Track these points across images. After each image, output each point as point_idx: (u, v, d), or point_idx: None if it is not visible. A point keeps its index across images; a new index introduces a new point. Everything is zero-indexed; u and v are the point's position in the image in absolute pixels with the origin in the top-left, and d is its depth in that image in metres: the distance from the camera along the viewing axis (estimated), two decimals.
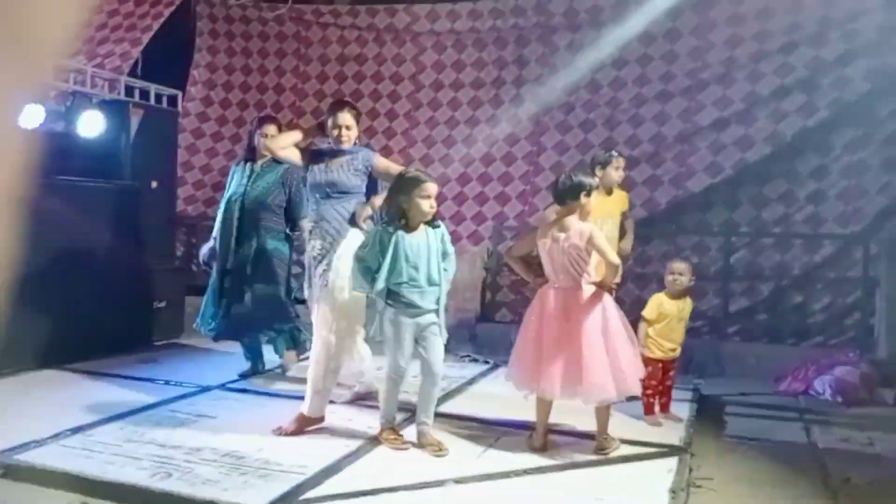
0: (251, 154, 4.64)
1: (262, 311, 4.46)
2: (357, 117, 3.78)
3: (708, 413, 4.09)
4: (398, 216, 3.26)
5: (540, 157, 6.33)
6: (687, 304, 3.89)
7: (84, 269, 5.14)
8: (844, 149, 5.46)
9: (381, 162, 3.79)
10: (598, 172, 4.36)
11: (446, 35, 6.76)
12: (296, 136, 3.85)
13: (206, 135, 7.32)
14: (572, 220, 3.30)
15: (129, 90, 6.29)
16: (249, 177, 4.54)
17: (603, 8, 6.16)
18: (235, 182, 4.59)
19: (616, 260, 3.37)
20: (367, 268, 3.26)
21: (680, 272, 3.83)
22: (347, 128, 3.68)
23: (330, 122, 3.70)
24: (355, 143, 3.77)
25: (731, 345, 5.22)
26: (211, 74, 7.48)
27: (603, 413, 3.32)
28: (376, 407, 3.92)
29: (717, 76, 5.82)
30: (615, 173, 4.39)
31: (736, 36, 5.76)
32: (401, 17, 6.87)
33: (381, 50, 6.97)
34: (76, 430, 3.43)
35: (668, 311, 3.79)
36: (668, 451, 3.39)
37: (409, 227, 3.25)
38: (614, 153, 4.49)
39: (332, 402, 3.85)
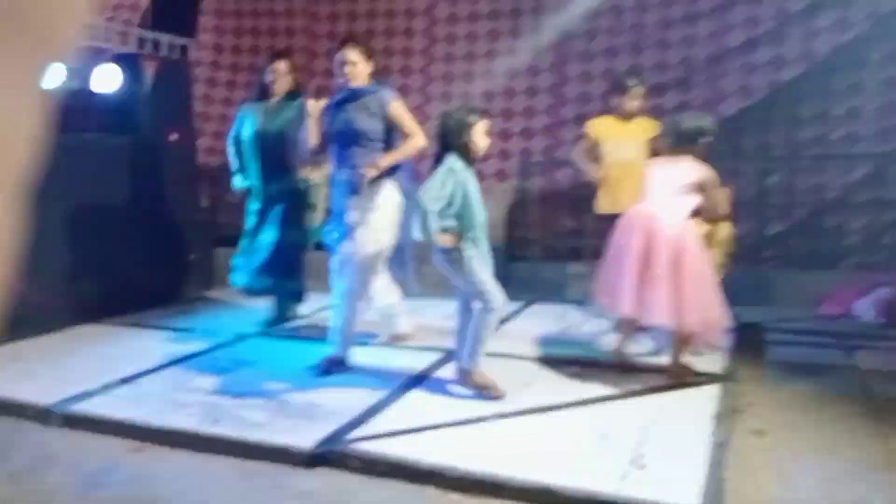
0: (263, 93, 4.44)
1: (280, 261, 4.44)
2: (367, 53, 3.63)
3: (748, 341, 4.07)
4: (464, 156, 3.16)
5: (564, 88, 6.16)
6: (722, 229, 3.83)
7: (115, 225, 5.18)
8: (880, 64, 5.24)
9: (397, 109, 3.61)
10: (615, 100, 4.31)
11: None
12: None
13: (221, 83, 7.22)
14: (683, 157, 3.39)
15: (141, 42, 6.18)
16: (265, 115, 4.38)
17: None
18: (249, 122, 4.41)
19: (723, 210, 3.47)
20: (447, 215, 3.11)
21: None
22: (353, 63, 3.55)
23: (336, 63, 3.59)
24: (372, 83, 3.65)
25: (769, 271, 5.15)
26: (220, 20, 7.31)
27: (678, 341, 3.36)
28: (410, 347, 3.98)
29: None
30: (630, 103, 4.30)
31: None
32: None
33: None
34: (125, 381, 3.51)
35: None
36: (709, 379, 3.39)
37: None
38: (629, 82, 4.37)
39: (366, 343, 3.92)
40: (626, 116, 4.36)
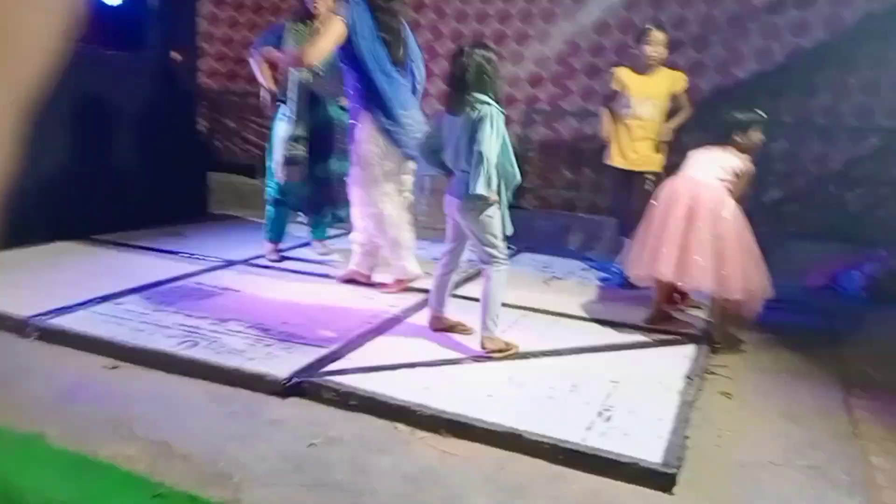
0: (306, 12, 4.27)
1: (325, 189, 4.47)
2: None
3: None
4: (495, 99, 2.96)
5: (576, 36, 5.98)
6: None
7: (109, 141, 5.12)
8: None
9: None
10: (635, 48, 4.23)
11: None
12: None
13: (227, 2, 7.01)
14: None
15: None
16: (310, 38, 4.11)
17: None
18: (293, 44, 4.21)
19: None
20: (499, 163, 2.91)
21: None
22: None
23: None
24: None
25: (759, 236, 5.09)
26: None
27: (720, 309, 3.37)
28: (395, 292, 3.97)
29: None
30: (648, 49, 4.15)
31: None
32: None
33: None
34: (105, 298, 3.52)
35: None
36: (686, 339, 3.40)
37: None
38: (648, 26, 4.23)
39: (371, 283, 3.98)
40: (646, 68, 4.22)
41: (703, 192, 3.32)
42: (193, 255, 4.58)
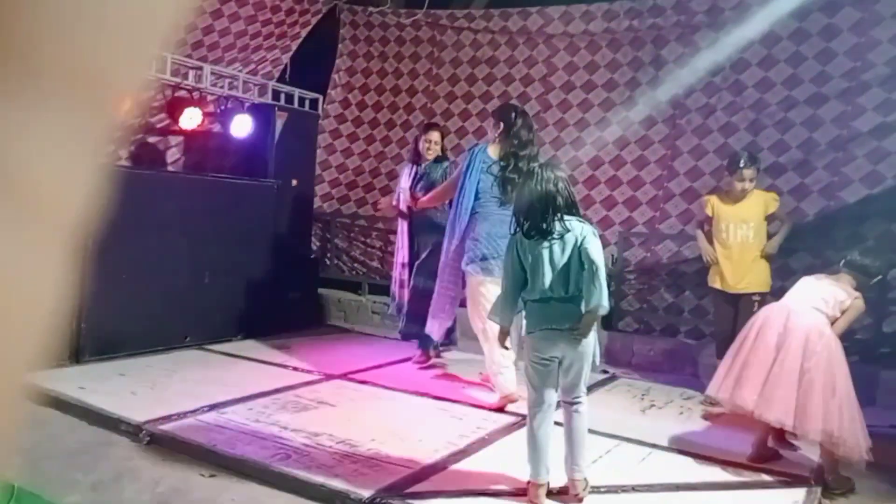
0: (416, 157, 5.18)
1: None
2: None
3: None
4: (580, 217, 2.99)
5: (675, 161, 6.05)
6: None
7: (229, 259, 5.58)
8: None
9: None
10: (726, 178, 4.36)
11: (580, 37, 6.64)
12: None
13: (343, 135, 7.68)
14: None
15: (276, 94, 6.74)
16: (414, 177, 5.08)
17: (750, 5, 5.78)
18: (403, 181, 5.16)
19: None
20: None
21: None
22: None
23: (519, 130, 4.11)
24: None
25: (885, 370, 4.72)
26: (350, 78, 7.83)
27: (828, 451, 3.13)
28: (487, 409, 3.97)
29: (881, 77, 5.28)
30: (738, 185, 4.22)
31: None
32: (534, 20, 6.83)
33: (512, 52, 6.98)
34: (212, 407, 3.74)
35: None
36: (795, 481, 3.14)
37: None
38: (740, 163, 4.26)
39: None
40: (736, 197, 4.30)
41: (798, 320, 3.17)
42: (297, 367, 4.79)
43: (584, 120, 6.52)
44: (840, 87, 5.43)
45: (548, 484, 2.80)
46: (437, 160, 5.09)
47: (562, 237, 2.79)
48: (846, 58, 5.43)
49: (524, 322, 2.93)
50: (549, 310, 2.80)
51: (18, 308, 0.27)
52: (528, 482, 2.80)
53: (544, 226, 2.80)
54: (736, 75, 5.88)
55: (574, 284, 2.77)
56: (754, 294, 4.24)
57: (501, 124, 4.13)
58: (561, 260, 2.79)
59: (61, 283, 0.29)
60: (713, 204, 4.39)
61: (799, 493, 3.02)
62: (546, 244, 2.80)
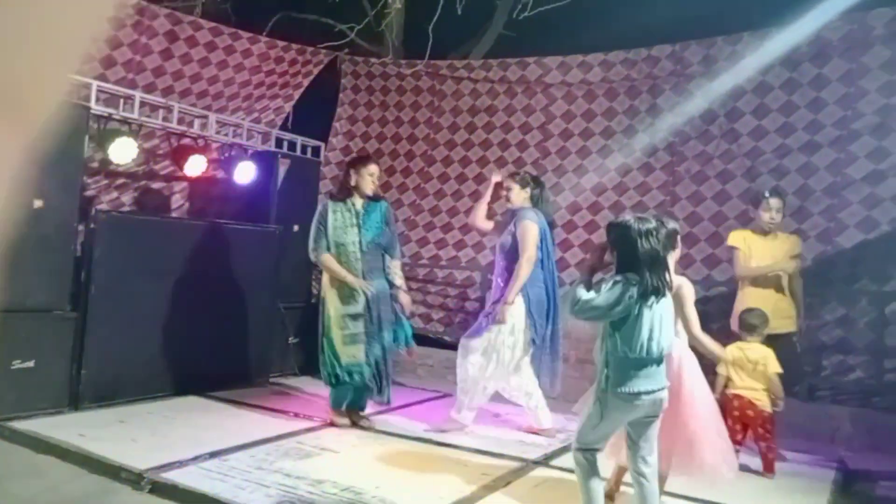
0: (347, 192, 4.55)
1: (388, 360, 4.54)
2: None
3: (855, 490, 3.71)
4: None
5: (674, 206, 6.14)
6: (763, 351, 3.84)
7: (229, 304, 5.58)
8: None
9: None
10: (753, 212, 4.41)
11: (577, 86, 6.81)
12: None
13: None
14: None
15: (279, 142, 6.85)
16: (358, 216, 4.51)
17: (743, 55, 5.95)
18: (342, 222, 4.48)
19: (694, 330, 2.98)
20: None
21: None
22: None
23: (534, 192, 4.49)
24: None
25: (886, 416, 4.71)
26: (351, 126, 7.98)
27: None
28: (495, 455, 3.93)
29: (870, 126, 5.41)
30: (765, 215, 4.27)
31: (893, 83, 5.34)
32: (532, 70, 7.01)
33: (511, 101, 7.13)
34: (214, 455, 3.69)
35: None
36: None
37: None
38: (766, 193, 4.34)
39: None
40: (765, 232, 4.38)
41: (677, 365, 3.02)
42: (298, 413, 4.75)
43: (583, 167, 6.63)
44: (832, 135, 5.56)
45: None
46: (373, 198, 4.61)
47: (665, 294, 2.65)
48: (837, 107, 5.57)
49: (609, 375, 2.65)
50: (650, 369, 2.64)
51: None
52: None
53: (652, 286, 2.59)
54: (731, 124, 6.01)
55: (668, 342, 2.68)
56: (793, 334, 4.31)
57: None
58: (670, 317, 2.71)
59: None
60: (739, 238, 4.46)
61: None
62: (660, 302, 2.62)
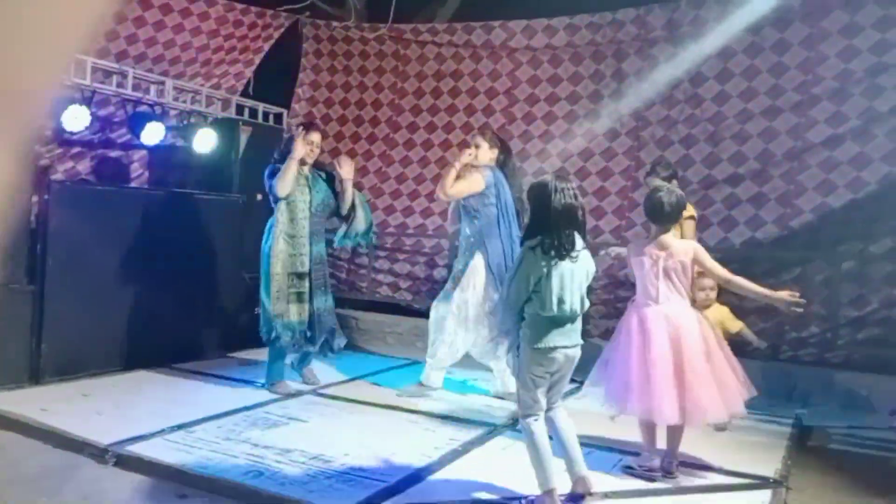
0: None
1: (327, 322, 4.66)
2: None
3: (809, 445, 3.85)
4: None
5: (638, 171, 6.18)
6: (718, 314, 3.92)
7: (193, 275, 5.50)
8: None
9: None
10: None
11: (543, 50, 6.76)
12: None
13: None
14: (669, 238, 3.22)
15: (240, 109, 6.69)
16: (307, 179, 4.58)
17: (706, 20, 5.96)
18: (296, 181, 4.48)
19: (725, 275, 3.21)
20: None
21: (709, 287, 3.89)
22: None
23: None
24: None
25: (841, 374, 4.87)
26: (314, 92, 7.82)
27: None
28: (463, 420, 3.98)
29: (830, 91, 5.48)
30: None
31: (851, 47, 5.41)
32: (497, 34, 6.93)
33: (476, 66, 7.06)
34: (179, 427, 3.67)
35: None
36: (760, 483, 3.21)
37: None
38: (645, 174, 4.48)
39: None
40: None
41: (673, 320, 3.22)
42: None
43: (549, 132, 6.62)
44: (793, 99, 5.63)
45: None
46: (319, 167, 4.71)
47: (579, 254, 2.74)
48: (798, 71, 5.63)
49: (524, 333, 2.81)
50: (566, 327, 2.77)
51: None
52: (546, 492, 2.76)
53: (571, 242, 2.71)
54: (694, 88, 6.04)
55: (586, 302, 2.83)
56: None
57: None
58: (581, 278, 2.78)
59: None
60: None
61: (765, 494, 3.10)
62: (569, 262, 2.72)
